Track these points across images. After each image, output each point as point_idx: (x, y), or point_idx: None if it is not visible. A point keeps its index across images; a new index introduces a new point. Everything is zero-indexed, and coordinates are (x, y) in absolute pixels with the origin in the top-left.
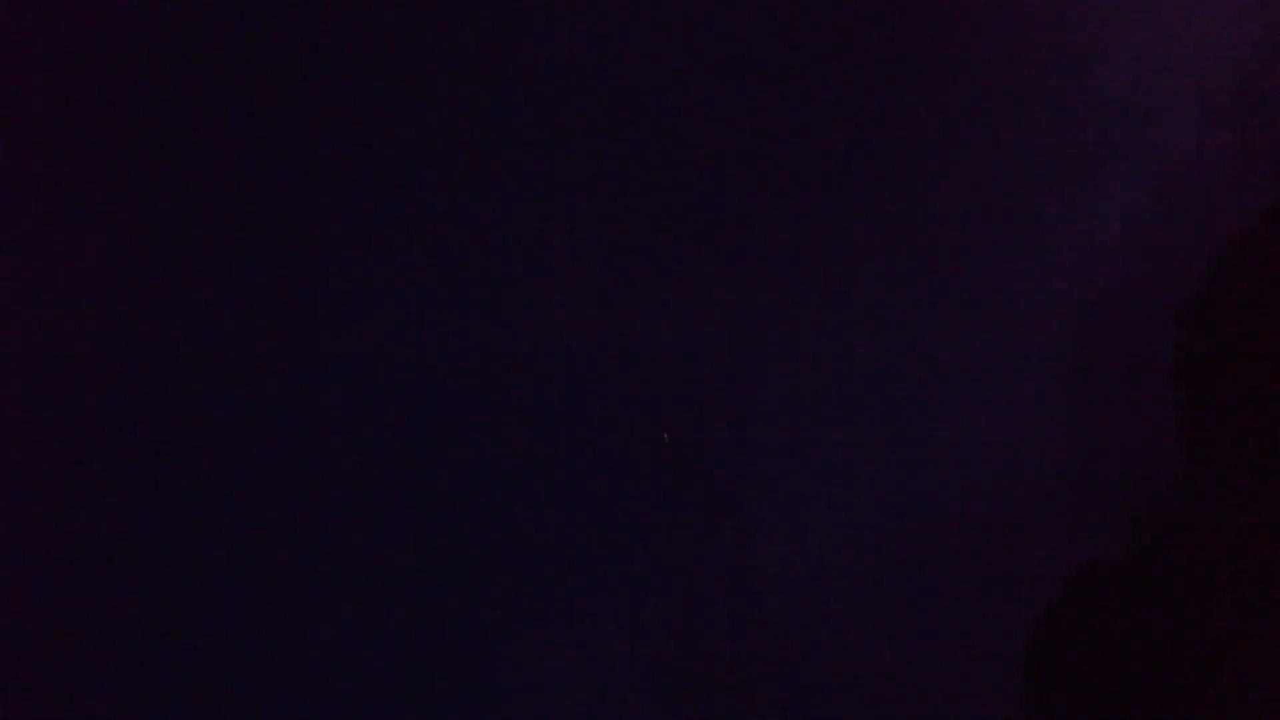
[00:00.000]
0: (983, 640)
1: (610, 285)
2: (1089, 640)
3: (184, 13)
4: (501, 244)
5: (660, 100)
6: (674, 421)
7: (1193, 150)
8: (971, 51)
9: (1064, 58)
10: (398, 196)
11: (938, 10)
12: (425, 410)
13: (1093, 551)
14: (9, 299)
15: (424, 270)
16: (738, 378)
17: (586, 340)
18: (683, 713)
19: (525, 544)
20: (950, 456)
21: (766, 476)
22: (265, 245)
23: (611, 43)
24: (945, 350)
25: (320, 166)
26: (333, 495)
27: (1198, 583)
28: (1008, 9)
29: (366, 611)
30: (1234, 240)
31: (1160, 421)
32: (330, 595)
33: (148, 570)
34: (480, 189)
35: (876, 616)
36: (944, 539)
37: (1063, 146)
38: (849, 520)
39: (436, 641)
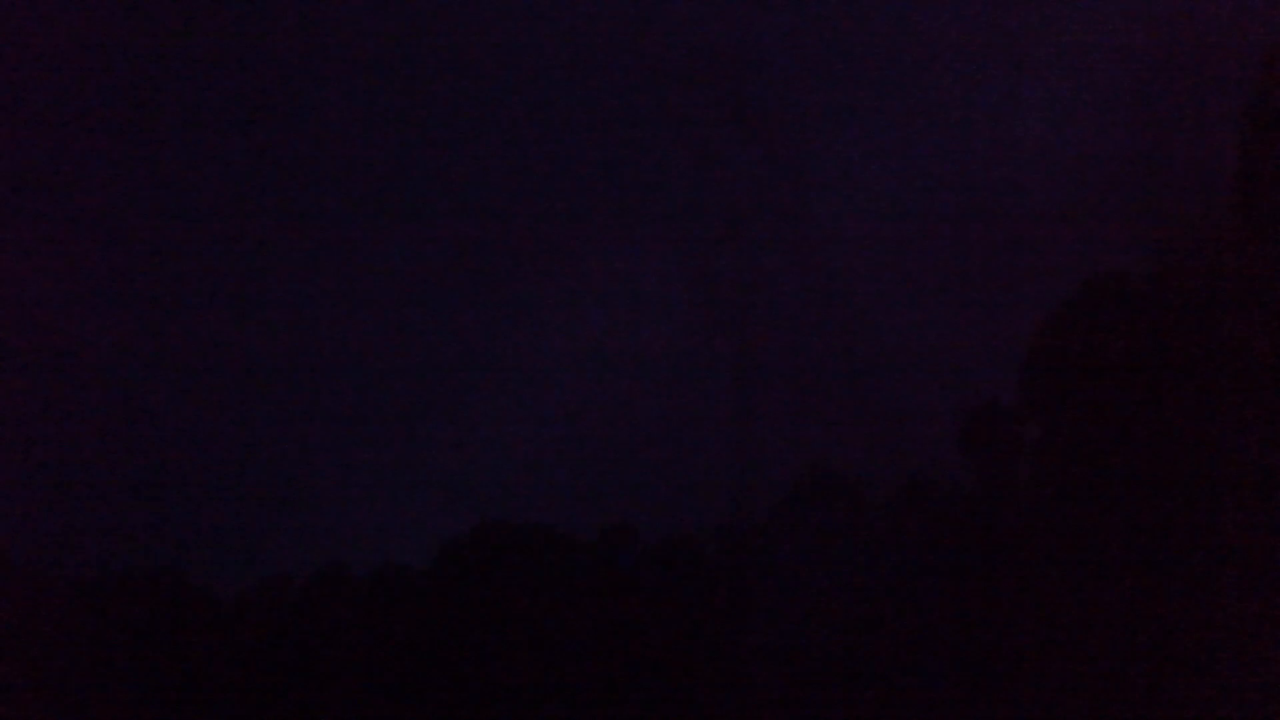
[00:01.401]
0: (999, 325)
1: None
2: (1094, 344)
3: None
4: None
5: None
6: (732, 67)
7: None
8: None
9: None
10: None
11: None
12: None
13: (1117, 262)
14: None
15: None
16: (799, 28)
17: None
18: (730, 343)
19: (580, 177)
20: (1005, 137)
21: (823, 125)
22: None
23: None
24: (1011, 34)
25: None
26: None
27: (1212, 306)
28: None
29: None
30: None
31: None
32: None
33: None
34: None
35: (913, 275)
36: (984, 217)
37: None
38: (899, 186)
39: (494, 258)
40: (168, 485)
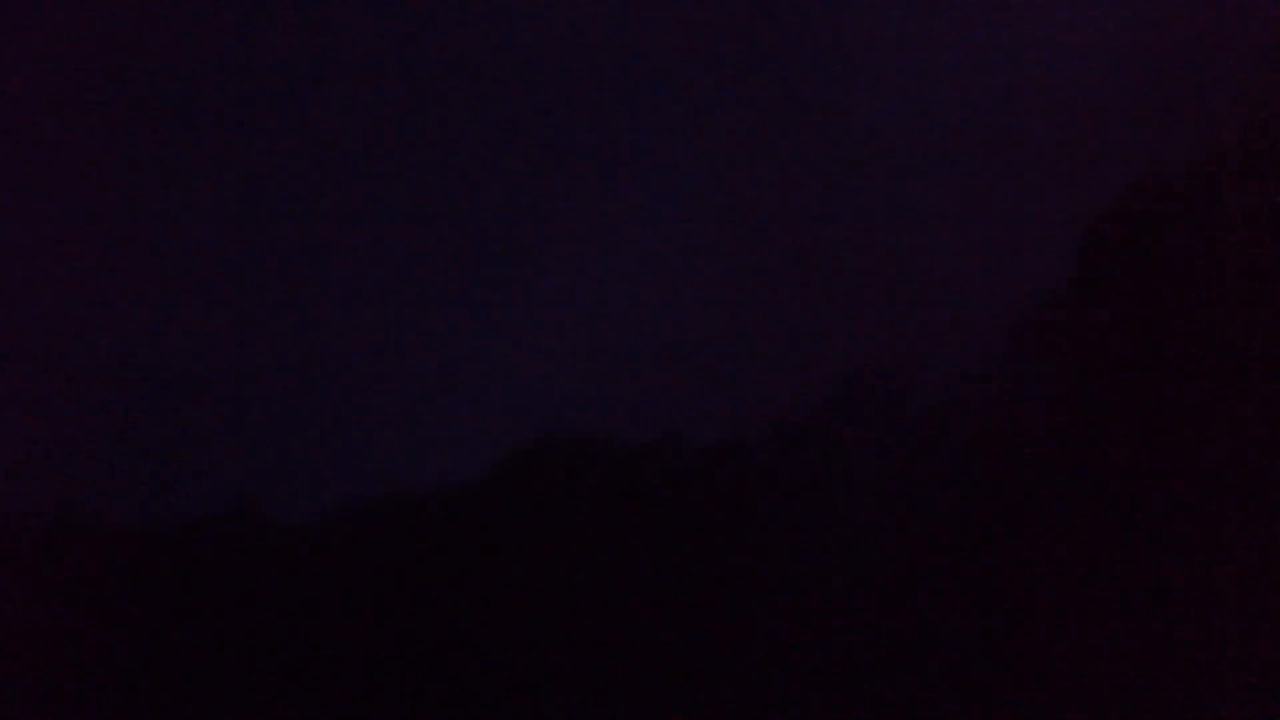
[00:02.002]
0: (1049, 226)
1: None
2: (1146, 239)
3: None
4: None
5: None
6: None
7: None
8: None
9: None
10: None
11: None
12: None
13: (1175, 157)
14: None
15: None
16: None
17: None
18: (773, 245)
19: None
20: (1044, 38)
21: (858, 18)
22: None
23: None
24: None
25: None
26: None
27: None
28: None
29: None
30: None
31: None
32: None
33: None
34: None
35: (956, 171)
36: (1030, 112)
37: None
38: (939, 79)
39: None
40: (211, 420)
